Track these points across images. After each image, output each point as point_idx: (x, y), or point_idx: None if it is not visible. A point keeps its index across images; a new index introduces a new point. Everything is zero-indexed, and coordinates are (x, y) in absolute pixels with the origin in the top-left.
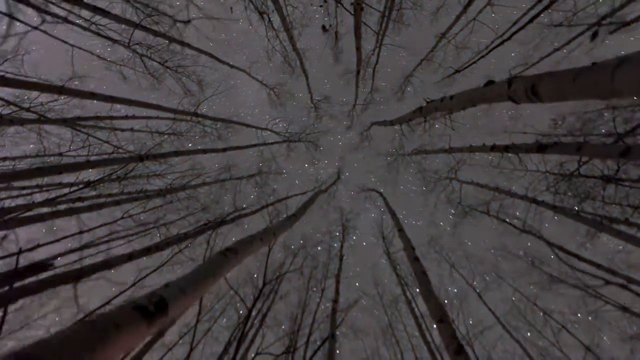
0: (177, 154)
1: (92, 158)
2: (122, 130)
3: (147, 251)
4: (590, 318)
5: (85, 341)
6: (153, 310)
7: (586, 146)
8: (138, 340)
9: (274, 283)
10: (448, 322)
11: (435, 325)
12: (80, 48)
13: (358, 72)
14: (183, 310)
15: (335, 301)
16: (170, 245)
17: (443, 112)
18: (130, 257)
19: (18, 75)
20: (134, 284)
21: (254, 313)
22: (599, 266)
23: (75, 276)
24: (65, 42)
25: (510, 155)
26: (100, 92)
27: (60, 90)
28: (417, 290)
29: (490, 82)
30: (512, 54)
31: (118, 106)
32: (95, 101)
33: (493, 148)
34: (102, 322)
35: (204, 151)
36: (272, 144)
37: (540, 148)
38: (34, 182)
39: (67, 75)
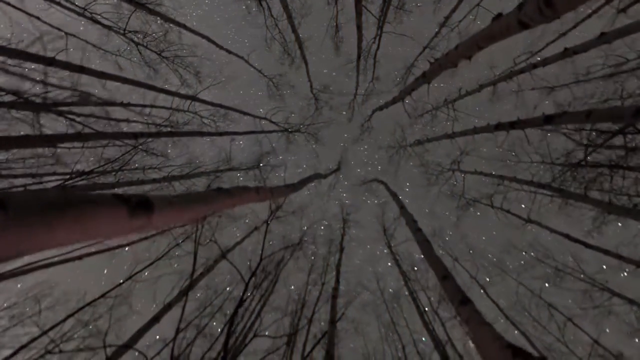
0: (172, 134)
1: (87, 146)
2: (118, 120)
3: None
4: (596, 312)
5: (58, 203)
6: (135, 204)
7: (596, 111)
8: (117, 227)
9: (274, 257)
10: (452, 277)
11: (440, 284)
12: (74, 36)
13: (359, 56)
14: (169, 221)
15: (335, 289)
16: None
17: (450, 103)
18: None
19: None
20: (130, 277)
21: (254, 303)
22: (606, 252)
23: None
24: (59, 29)
25: (516, 131)
26: (90, 67)
27: (51, 61)
28: (420, 283)
29: (498, 15)
30: (518, 40)
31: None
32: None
33: (498, 126)
34: (78, 195)
35: (201, 133)
36: (270, 132)
37: (548, 119)
38: (27, 171)
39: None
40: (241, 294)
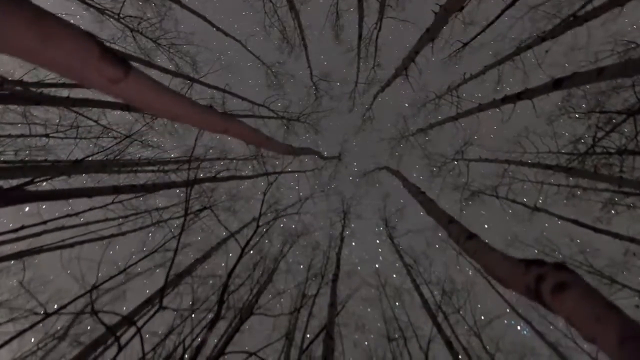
0: None
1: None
2: (112, 107)
3: (134, 187)
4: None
5: None
6: (109, 48)
7: (608, 68)
8: (83, 63)
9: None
10: (457, 221)
11: (446, 230)
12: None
13: (360, 37)
14: (145, 95)
15: (336, 275)
16: (157, 189)
17: (453, 89)
18: (115, 189)
19: None
20: (124, 270)
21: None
22: (616, 235)
23: (52, 196)
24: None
25: (523, 100)
26: None
27: None
28: (423, 277)
29: None
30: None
31: None
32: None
33: (504, 99)
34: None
35: None
36: (269, 118)
37: (557, 84)
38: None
39: None
40: (237, 257)
